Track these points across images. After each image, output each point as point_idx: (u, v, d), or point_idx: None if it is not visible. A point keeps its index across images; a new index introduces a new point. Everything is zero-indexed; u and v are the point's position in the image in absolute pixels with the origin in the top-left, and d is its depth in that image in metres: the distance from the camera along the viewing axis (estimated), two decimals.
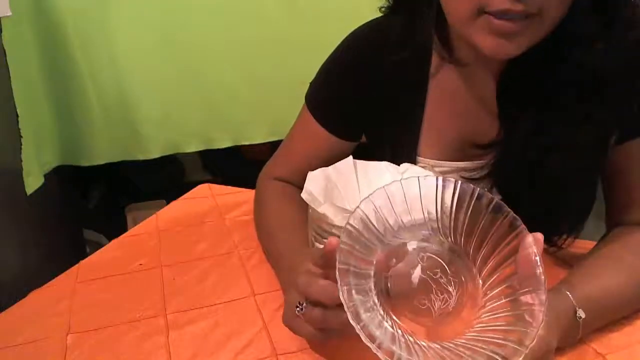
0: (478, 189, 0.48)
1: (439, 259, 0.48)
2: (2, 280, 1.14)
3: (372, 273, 0.46)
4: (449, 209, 0.48)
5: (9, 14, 1.12)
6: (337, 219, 0.58)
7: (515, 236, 0.46)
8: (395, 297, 0.46)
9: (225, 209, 0.89)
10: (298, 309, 0.49)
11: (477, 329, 0.44)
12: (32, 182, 1.24)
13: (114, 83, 1.34)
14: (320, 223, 0.60)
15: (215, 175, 1.95)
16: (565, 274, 0.60)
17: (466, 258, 0.48)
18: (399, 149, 0.73)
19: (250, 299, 0.65)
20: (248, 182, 1.01)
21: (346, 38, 0.74)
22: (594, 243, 0.68)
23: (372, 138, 0.78)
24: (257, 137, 1.50)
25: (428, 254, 0.48)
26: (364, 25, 0.74)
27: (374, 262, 0.47)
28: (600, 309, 0.55)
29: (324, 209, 0.59)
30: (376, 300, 0.45)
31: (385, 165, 0.71)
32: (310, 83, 0.78)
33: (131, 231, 0.85)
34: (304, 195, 0.62)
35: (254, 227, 0.81)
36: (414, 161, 0.72)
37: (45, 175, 1.31)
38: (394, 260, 0.47)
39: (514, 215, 0.46)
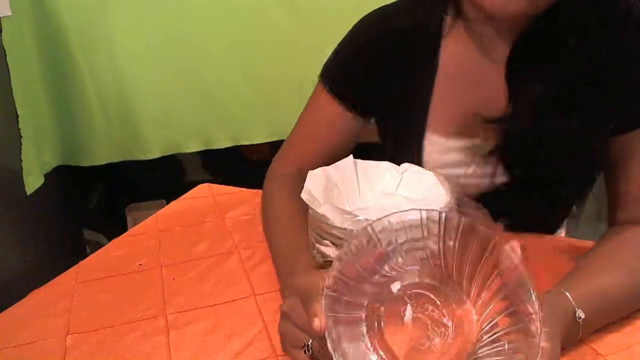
0: (444, 212, 0.46)
1: (426, 292, 0.47)
2: (2, 280, 1.14)
3: (365, 303, 0.46)
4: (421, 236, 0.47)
5: (9, 14, 1.12)
6: (337, 220, 0.58)
7: (493, 247, 0.44)
8: (391, 342, 0.45)
9: (225, 208, 0.89)
10: (304, 349, 0.49)
11: (483, 353, 0.44)
12: (32, 182, 1.25)
13: (114, 83, 1.34)
14: (320, 224, 0.60)
15: (215, 175, 1.95)
16: (564, 275, 0.60)
17: (451, 282, 0.47)
18: (408, 125, 0.73)
19: (251, 299, 0.65)
20: (248, 182, 1.01)
21: (361, 18, 0.75)
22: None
23: (383, 114, 0.77)
24: (257, 137, 1.50)
25: (414, 290, 0.47)
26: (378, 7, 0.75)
27: (367, 293, 0.46)
28: (599, 309, 0.55)
29: (324, 209, 0.59)
30: (365, 332, 0.45)
31: (385, 165, 0.71)
32: (325, 63, 0.77)
33: (131, 231, 0.84)
34: (303, 195, 0.62)
35: (254, 227, 0.81)
36: (422, 137, 0.72)
37: (45, 175, 1.31)
38: (382, 307, 0.46)
39: (485, 229, 0.45)
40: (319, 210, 0.59)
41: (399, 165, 0.69)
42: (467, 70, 0.70)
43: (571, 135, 0.63)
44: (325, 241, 0.60)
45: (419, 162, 0.72)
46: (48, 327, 0.61)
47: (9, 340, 0.59)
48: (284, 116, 1.47)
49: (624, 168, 0.66)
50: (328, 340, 0.42)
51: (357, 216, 0.57)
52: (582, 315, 0.52)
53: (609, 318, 0.58)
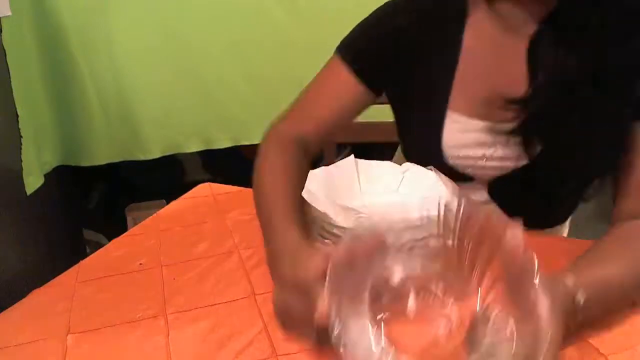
0: (446, 206, 0.46)
1: (428, 283, 0.46)
2: (2, 280, 1.14)
3: (366, 295, 0.45)
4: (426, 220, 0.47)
5: (9, 14, 1.12)
6: (339, 219, 0.58)
7: (495, 235, 0.44)
8: (395, 333, 0.44)
9: (225, 208, 0.89)
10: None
11: (487, 341, 0.44)
12: (32, 182, 1.25)
13: (114, 83, 1.34)
14: (322, 223, 0.60)
15: (215, 175, 1.95)
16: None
17: (453, 272, 0.46)
18: (429, 101, 0.72)
19: (251, 299, 0.65)
20: (248, 182, 1.01)
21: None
22: None
23: (401, 91, 0.77)
24: (257, 137, 1.49)
25: (416, 281, 0.46)
26: None
27: (368, 285, 0.45)
28: (600, 294, 0.54)
29: (325, 208, 0.59)
30: (368, 324, 0.44)
31: (386, 164, 0.71)
32: (345, 38, 0.77)
33: (131, 231, 0.84)
34: (304, 194, 0.62)
35: (254, 227, 0.80)
36: (443, 114, 0.71)
37: (45, 175, 1.31)
38: (384, 299, 0.46)
39: (486, 217, 0.44)
40: (320, 209, 0.59)
41: (420, 144, 0.69)
42: (491, 51, 0.70)
43: (590, 122, 0.64)
44: (327, 241, 0.60)
45: (439, 140, 0.71)
46: (48, 327, 0.61)
47: (9, 340, 0.59)
48: None
49: (630, 159, 0.65)
50: (334, 332, 0.42)
51: (359, 215, 0.57)
52: (582, 298, 0.51)
53: (610, 306, 0.57)
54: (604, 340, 0.55)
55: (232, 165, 1.85)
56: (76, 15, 1.26)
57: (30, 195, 1.24)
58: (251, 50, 1.40)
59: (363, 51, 0.75)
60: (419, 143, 0.76)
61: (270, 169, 0.69)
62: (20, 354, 0.58)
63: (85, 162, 1.41)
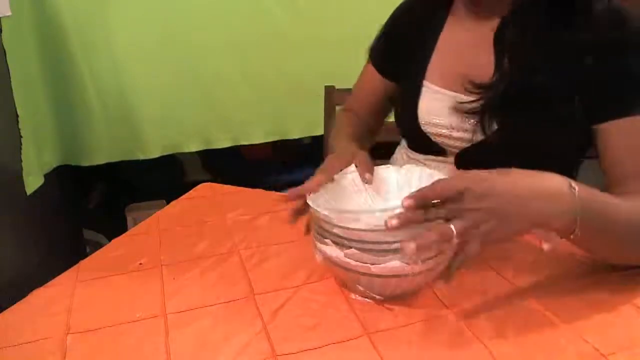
0: None
1: None
2: (2, 280, 1.14)
3: None
4: None
5: (9, 14, 1.12)
6: (340, 220, 0.58)
7: None
8: None
9: (225, 208, 0.89)
10: None
11: None
12: (32, 182, 1.25)
13: (114, 83, 1.34)
14: (322, 223, 0.60)
15: (215, 175, 1.95)
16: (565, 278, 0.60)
17: None
18: (411, 72, 0.83)
19: (250, 299, 0.65)
20: (248, 182, 1.01)
21: None
22: None
23: (397, 67, 0.89)
24: (257, 137, 1.51)
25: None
26: None
27: None
28: (596, 210, 0.57)
29: (326, 210, 0.59)
30: None
31: (389, 168, 0.72)
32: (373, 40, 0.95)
33: (131, 231, 0.84)
34: (309, 200, 0.62)
35: (254, 227, 0.82)
36: (421, 83, 0.81)
37: (45, 175, 1.31)
38: None
39: None
40: (320, 210, 0.59)
41: (402, 110, 0.83)
42: (465, 36, 0.78)
43: (545, 109, 0.70)
44: (326, 240, 0.60)
45: (415, 106, 0.81)
46: (48, 327, 0.61)
47: (10, 339, 0.59)
48: (283, 116, 1.48)
49: (614, 151, 0.68)
50: None
51: (358, 216, 0.57)
52: (577, 188, 0.55)
53: (602, 227, 0.59)
54: (604, 340, 0.55)
55: (232, 165, 1.85)
56: (76, 15, 1.26)
57: (30, 195, 1.24)
58: (251, 50, 1.40)
59: (377, 43, 0.93)
60: (402, 109, 0.86)
61: (337, 119, 1.01)
62: (20, 353, 0.58)
63: (85, 162, 1.41)
